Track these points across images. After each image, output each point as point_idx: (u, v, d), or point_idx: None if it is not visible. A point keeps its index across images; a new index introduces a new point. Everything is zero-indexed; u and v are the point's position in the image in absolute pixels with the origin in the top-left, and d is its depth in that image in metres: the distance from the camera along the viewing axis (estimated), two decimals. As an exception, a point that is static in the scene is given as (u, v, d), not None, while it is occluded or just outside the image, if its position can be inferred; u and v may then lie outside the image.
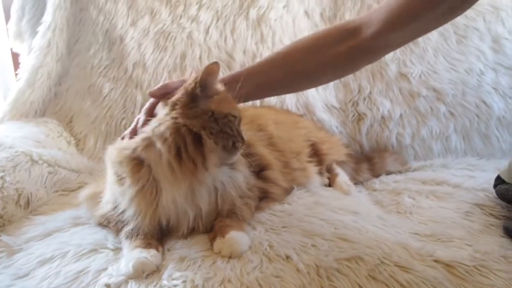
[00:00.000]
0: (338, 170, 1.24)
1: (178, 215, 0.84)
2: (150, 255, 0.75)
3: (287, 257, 0.75)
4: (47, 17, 1.48)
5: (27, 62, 1.50)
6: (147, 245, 0.79)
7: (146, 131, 0.82)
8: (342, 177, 1.21)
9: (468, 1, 0.83)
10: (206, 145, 0.80)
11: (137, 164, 0.81)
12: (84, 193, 1.03)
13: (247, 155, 0.94)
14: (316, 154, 1.20)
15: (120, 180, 0.84)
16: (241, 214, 0.88)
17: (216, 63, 0.82)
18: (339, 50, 0.92)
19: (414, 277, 0.70)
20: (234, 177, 0.89)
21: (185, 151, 0.79)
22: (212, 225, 0.86)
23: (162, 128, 0.79)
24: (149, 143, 0.80)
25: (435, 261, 0.75)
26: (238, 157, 0.87)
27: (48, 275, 0.75)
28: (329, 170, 1.24)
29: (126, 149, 0.83)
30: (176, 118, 0.79)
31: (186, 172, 0.79)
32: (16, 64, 1.66)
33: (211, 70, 0.81)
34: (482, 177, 1.20)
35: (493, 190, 1.05)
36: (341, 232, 0.83)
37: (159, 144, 0.79)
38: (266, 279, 0.69)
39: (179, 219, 0.84)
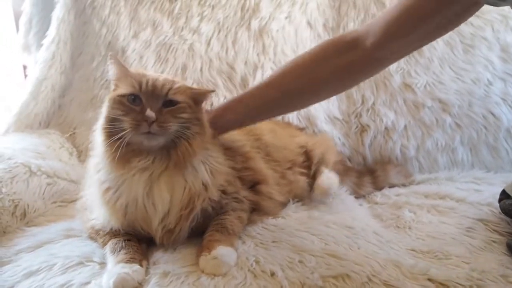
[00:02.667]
0: (324, 170, 1.17)
1: (146, 209, 0.85)
2: (132, 270, 0.74)
3: (272, 273, 0.73)
4: (52, 30, 1.51)
5: (32, 74, 1.52)
6: (130, 260, 0.78)
7: None
8: (326, 173, 1.15)
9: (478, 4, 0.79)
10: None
11: None
12: (79, 203, 1.03)
13: (243, 169, 0.95)
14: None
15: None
16: (232, 228, 0.86)
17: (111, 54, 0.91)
18: (338, 64, 0.89)
19: (403, 297, 0.67)
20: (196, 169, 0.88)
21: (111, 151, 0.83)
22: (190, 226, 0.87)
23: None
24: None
25: (429, 279, 0.73)
26: (147, 135, 0.83)
27: (31, 288, 0.74)
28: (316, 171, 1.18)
29: None
30: None
31: (120, 164, 0.84)
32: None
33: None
34: (488, 191, 1.16)
35: (498, 205, 1.01)
36: (331, 248, 0.80)
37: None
38: (248, 297, 0.67)
39: (148, 214, 0.85)
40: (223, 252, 0.77)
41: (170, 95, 0.84)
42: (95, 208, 0.90)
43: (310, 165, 1.17)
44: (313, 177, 1.15)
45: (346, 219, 0.98)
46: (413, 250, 0.86)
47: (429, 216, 1.04)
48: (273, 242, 0.84)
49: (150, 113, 0.80)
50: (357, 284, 0.69)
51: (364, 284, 0.69)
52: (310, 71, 0.91)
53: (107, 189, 0.85)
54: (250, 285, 0.70)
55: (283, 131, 1.23)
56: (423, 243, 0.91)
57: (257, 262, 0.76)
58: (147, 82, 0.84)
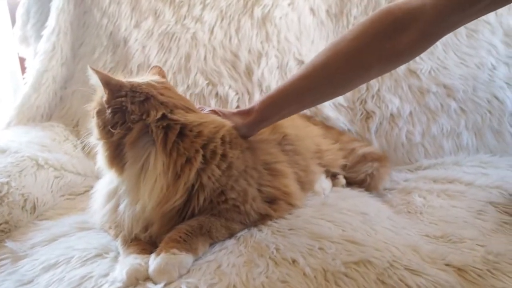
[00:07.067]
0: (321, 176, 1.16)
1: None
2: (144, 261, 0.74)
3: (294, 261, 0.72)
4: (51, 21, 1.48)
5: (32, 66, 1.50)
6: (142, 251, 0.78)
7: None
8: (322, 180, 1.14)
9: None
10: None
11: None
12: None
13: (267, 186, 0.92)
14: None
15: None
16: (208, 229, 0.80)
17: None
18: (389, 46, 0.79)
19: (426, 281, 0.67)
20: None
21: None
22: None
23: None
24: None
25: (447, 265, 0.73)
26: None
27: (52, 281, 0.74)
28: None
29: None
30: None
31: None
32: (24, 69, 1.67)
33: None
34: (495, 174, 1.17)
35: (507, 188, 1.03)
36: (349, 234, 0.80)
37: None
38: (272, 285, 0.67)
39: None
40: (169, 259, 0.71)
41: None
42: None
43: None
44: None
45: (359, 206, 0.98)
46: (426, 235, 0.86)
47: (439, 201, 1.05)
48: (290, 229, 0.84)
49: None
50: (379, 270, 0.69)
51: (386, 269, 0.69)
52: (357, 57, 0.82)
53: None
54: (272, 272, 0.70)
55: (299, 119, 1.22)
56: (436, 227, 0.91)
57: (277, 249, 0.76)
58: None
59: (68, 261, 0.79)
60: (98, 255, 0.80)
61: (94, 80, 0.83)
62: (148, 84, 0.86)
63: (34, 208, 1.06)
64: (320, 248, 0.75)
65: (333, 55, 0.85)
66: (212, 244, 0.80)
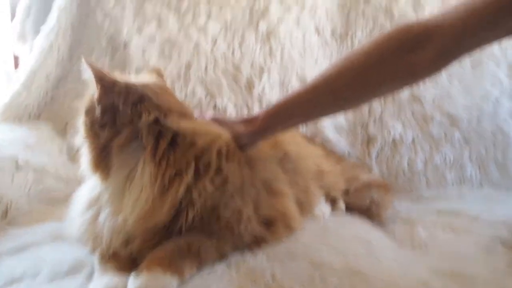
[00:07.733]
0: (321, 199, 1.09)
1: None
2: (122, 281, 0.66)
3: (293, 291, 0.65)
4: (51, 20, 1.43)
5: (26, 63, 1.43)
6: (121, 269, 0.69)
7: None
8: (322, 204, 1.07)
9: None
10: None
11: None
12: None
13: (264, 206, 0.84)
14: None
15: None
16: (197, 249, 0.72)
17: None
18: (401, 65, 0.75)
19: (439, 323, 0.60)
20: None
21: None
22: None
23: None
24: None
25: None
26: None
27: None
28: None
29: None
30: None
31: None
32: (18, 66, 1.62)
33: None
34: (501, 209, 1.12)
35: (513, 224, 0.97)
36: (353, 264, 0.73)
37: None
38: (267, 317, 0.60)
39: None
40: (151, 280, 0.64)
41: None
42: None
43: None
44: None
45: (361, 233, 0.92)
46: (434, 271, 0.79)
47: (444, 235, 0.99)
48: (288, 255, 0.76)
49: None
50: (388, 307, 0.62)
51: (396, 306, 0.62)
52: (365, 76, 0.79)
53: None
54: (268, 302, 0.62)
55: (300, 138, 1.16)
56: (443, 263, 0.84)
57: (273, 276, 0.68)
58: None
59: (35, 275, 0.70)
60: (70, 271, 0.72)
61: (88, 75, 0.76)
62: (143, 85, 0.79)
63: (6, 212, 0.97)
64: (321, 278, 0.68)
65: (340, 71, 0.81)
66: (200, 267, 0.71)
